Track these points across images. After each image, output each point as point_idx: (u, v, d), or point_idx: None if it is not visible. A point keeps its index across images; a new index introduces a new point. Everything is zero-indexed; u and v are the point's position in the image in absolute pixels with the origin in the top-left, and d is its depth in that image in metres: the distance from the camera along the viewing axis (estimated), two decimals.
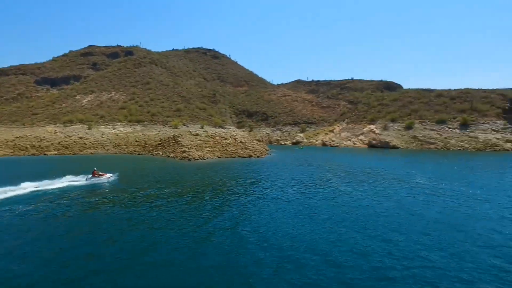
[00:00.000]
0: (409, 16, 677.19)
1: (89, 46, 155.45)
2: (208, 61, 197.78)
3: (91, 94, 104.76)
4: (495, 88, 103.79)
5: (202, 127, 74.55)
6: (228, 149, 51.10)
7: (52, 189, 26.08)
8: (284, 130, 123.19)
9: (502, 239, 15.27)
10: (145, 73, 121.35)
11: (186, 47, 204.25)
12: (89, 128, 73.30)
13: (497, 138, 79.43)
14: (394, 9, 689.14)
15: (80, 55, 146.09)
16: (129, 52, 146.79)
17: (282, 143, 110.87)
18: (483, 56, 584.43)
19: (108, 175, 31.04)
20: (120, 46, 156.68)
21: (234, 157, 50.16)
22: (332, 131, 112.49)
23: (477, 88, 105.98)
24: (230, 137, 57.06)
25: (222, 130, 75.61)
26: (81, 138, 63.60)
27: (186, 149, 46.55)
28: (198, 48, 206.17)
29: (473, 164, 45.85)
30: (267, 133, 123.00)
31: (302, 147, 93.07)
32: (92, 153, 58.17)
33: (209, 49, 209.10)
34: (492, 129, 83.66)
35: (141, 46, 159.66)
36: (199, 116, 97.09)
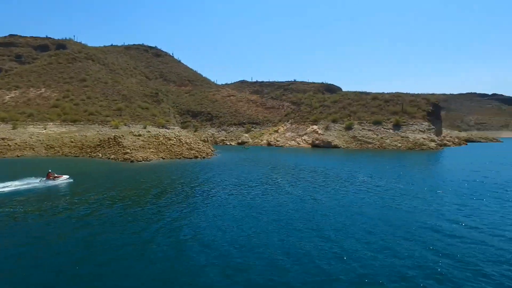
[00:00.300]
0: (345, 24, 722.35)
1: (11, 35, 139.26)
2: (150, 59, 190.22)
3: (15, 90, 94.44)
4: (419, 92, 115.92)
5: (145, 128, 71.81)
6: (173, 150, 49.94)
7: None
8: (229, 131, 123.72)
9: (423, 230, 17.46)
10: (81, 69, 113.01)
11: (126, 43, 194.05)
12: (13, 128, 66.03)
13: (424, 138, 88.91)
14: (333, 17, 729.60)
15: (0, 45, 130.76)
16: (61, 45, 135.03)
17: (228, 144, 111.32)
18: (412, 62, 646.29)
19: (65, 176, 29.58)
20: (50, 38, 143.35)
21: (180, 158, 49.21)
22: (277, 131, 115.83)
23: (405, 92, 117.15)
24: (175, 137, 55.88)
25: (167, 130, 73.63)
26: (3, 139, 57.19)
27: (128, 151, 44.48)
28: (139, 45, 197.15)
29: (405, 163, 51.02)
30: (213, 134, 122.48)
31: (248, 148, 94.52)
32: (18, 156, 52.68)
33: (151, 47, 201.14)
34: (419, 130, 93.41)
35: (75, 40, 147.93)
36: (141, 116, 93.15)
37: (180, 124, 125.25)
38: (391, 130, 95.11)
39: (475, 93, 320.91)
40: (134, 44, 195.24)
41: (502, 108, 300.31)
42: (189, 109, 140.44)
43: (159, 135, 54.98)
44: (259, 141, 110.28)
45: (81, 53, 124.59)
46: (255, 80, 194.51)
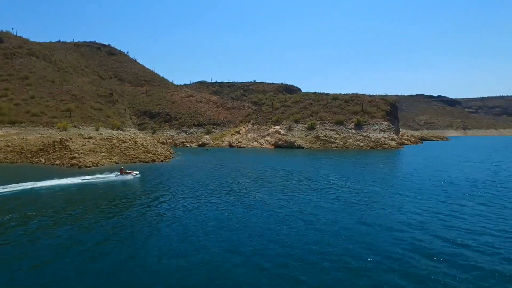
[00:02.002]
0: (297, 26, 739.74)
1: None
2: (103, 57, 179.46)
3: None
4: (373, 94, 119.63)
5: (97, 130, 66.52)
6: (127, 153, 45.95)
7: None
8: (189, 132, 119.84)
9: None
10: (22, 65, 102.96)
11: (75, 40, 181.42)
12: None
13: (385, 137, 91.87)
14: (291, 20, 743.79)
15: None
16: None
17: (188, 146, 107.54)
18: (364, 65, 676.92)
19: (135, 172, 34.11)
20: None
21: (135, 162, 45.41)
22: (238, 132, 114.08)
23: (363, 93, 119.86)
24: (130, 140, 51.88)
25: (121, 132, 68.85)
26: None
27: (77, 155, 39.94)
28: (91, 42, 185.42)
29: (368, 161, 51.73)
30: (172, 135, 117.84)
31: (209, 149, 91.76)
32: None
33: (104, 44, 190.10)
34: (380, 129, 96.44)
35: (15, 33, 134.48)
36: (94, 117, 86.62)
37: (137, 126, 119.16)
38: (353, 130, 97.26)
39: (423, 94, 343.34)
40: (85, 41, 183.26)
41: (446, 109, 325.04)
42: (146, 110, 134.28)
43: (113, 137, 50.65)
44: (221, 142, 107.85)
45: (22, 48, 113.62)
46: (214, 81, 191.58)
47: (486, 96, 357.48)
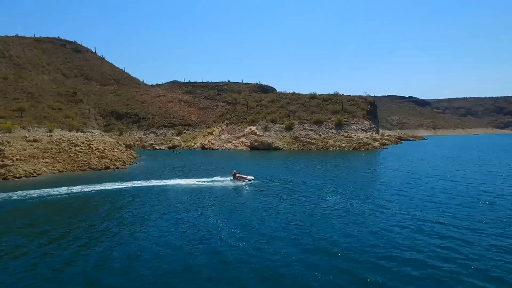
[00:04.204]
0: (269, 27, 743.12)
1: None
2: (68, 54, 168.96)
3: None
4: (350, 94, 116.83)
5: (50, 131, 59.72)
6: (77, 159, 39.94)
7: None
8: (159, 133, 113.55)
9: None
10: None
11: (37, 36, 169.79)
12: None
13: (367, 138, 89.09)
14: (262, 22, 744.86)
15: None
16: None
17: (157, 148, 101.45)
18: (341, 66, 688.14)
19: (249, 177, 31.49)
20: None
21: (85, 170, 39.47)
22: (211, 133, 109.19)
23: (341, 93, 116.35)
24: (84, 143, 46.00)
25: (76, 134, 62.34)
26: None
27: (9, 162, 33.39)
28: (54, 38, 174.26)
29: (356, 165, 48.50)
30: (140, 137, 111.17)
31: (179, 152, 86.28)
32: None
33: (69, 41, 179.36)
34: (361, 129, 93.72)
35: None
36: (50, 118, 78.71)
37: (102, 127, 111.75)
38: (333, 130, 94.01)
39: (395, 95, 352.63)
40: (47, 37, 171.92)
41: (417, 109, 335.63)
42: (113, 110, 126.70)
43: (62, 140, 44.66)
44: (192, 144, 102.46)
45: None
46: (187, 81, 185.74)
47: (452, 97, 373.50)
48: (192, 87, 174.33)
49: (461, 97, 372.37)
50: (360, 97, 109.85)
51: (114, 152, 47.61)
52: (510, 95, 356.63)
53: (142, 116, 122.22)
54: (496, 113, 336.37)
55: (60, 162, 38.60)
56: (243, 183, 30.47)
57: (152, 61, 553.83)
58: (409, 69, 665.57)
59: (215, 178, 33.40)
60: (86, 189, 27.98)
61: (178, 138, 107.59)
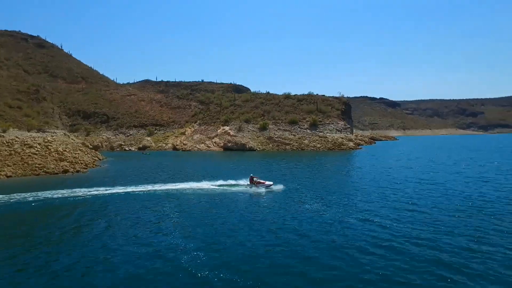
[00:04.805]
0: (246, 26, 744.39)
1: None
2: (31, 49, 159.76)
3: None
4: (329, 95, 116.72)
5: (4, 131, 55.33)
6: (30, 162, 36.42)
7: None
8: (128, 134, 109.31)
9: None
10: None
11: None
12: None
13: (342, 138, 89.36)
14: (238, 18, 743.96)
15: None
16: None
17: (127, 149, 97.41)
18: (314, 67, 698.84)
19: (268, 183, 27.95)
20: None
21: (38, 174, 36.02)
22: (183, 133, 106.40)
23: (316, 93, 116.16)
24: (41, 144, 42.69)
25: (38, 134, 58.27)
26: None
27: None
28: (15, 31, 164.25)
29: (333, 167, 48.00)
30: (108, 138, 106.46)
31: (149, 153, 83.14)
32: None
33: (32, 35, 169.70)
34: (336, 129, 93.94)
35: None
36: (6, 117, 73.49)
37: (67, 127, 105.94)
38: (308, 130, 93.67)
39: (367, 96, 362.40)
40: (6, 30, 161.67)
41: (387, 110, 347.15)
42: (80, 109, 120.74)
43: (16, 141, 41.14)
44: (164, 145, 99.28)
45: None
46: (160, 80, 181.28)
47: (420, 99, 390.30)
48: (164, 87, 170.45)
49: (428, 99, 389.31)
50: (334, 97, 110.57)
51: (75, 154, 44.52)
52: (472, 98, 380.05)
53: (111, 116, 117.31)
54: (460, 115, 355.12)
55: (10, 166, 35.19)
56: (262, 190, 26.89)
57: (124, 59, 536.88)
58: (381, 71, 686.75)
59: (190, 184, 30.12)
60: (18, 197, 24.28)
61: (149, 138, 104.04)
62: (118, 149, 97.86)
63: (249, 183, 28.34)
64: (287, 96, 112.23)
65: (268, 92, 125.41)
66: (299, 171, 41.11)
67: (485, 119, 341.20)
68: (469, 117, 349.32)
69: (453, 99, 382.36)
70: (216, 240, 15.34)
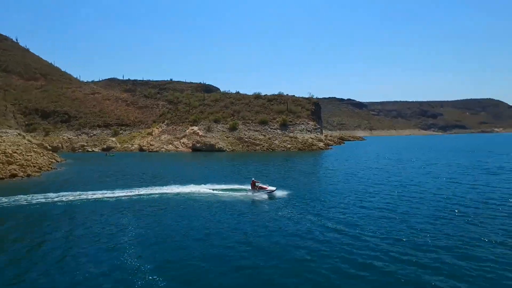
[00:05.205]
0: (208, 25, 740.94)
1: None
2: None
3: None
4: (299, 95, 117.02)
5: None
6: None
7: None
8: (92, 134, 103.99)
9: None
10: None
11: None
12: None
13: (312, 138, 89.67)
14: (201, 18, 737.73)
15: None
16: None
17: (90, 150, 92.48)
18: (284, 68, 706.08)
19: (270, 188, 25.74)
20: None
21: None
22: (150, 133, 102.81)
23: (286, 93, 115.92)
24: None
25: None
26: None
27: None
28: None
29: (306, 168, 47.35)
30: (69, 138, 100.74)
31: (113, 155, 79.25)
32: None
33: None
34: (306, 130, 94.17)
35: None
36: None
37: (23, 127, 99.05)
38: (278, 130, 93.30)
39: (335, 97, 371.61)
40: None
41: (355, 111, 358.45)
42: (38, 108, 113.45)
43: None
44: (129, 146, 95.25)
45: None
46: (127, 78, 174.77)
47: (385, 100, 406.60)
48: (131, 85, 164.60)
49: (393, 100, 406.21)
50: (304, 98, 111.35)
51: (28, 156, 41.02)
52: (432, 100, 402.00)
53: (72, 115, 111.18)
54: (422, 116, 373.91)
55: None
56: (264, 196, 24.85)
57: (88, 56, 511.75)
58: (349, 72, 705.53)
59: (155, 189, 27.73)
60: None
61: (114, 139, 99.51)
62: (80, 150, 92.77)
63: (250, 188, 26.23)
64: (257, 96, 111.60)
65: (238, 92, 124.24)
66: (272, 173, 40.38)
67: (444, 120, 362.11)
68: (430, 118, 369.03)
69: (415, 101, 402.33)
70: (177, 258, 13.70)
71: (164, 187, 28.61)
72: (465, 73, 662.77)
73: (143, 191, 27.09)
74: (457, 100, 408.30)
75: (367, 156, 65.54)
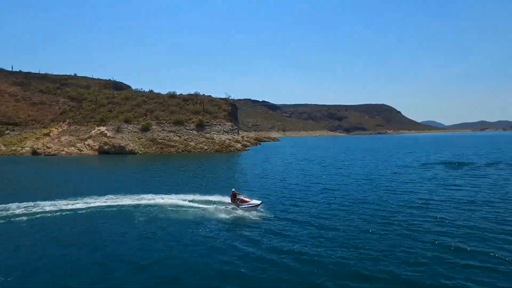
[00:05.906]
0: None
1: None
2: None
3: None
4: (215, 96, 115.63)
5: None
6: None
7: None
8: None
9: None
10: None
11: None
12: None
13: (229, 139, 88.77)
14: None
15: None
16: None
17: None
18: (198, 69, 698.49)
19: (254, 202, 20.94)
20: None
21: None
22: (48, 134, 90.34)
23: (202, 94, 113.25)
24: None
25: None
26: None
27: None
28: None
29: (226, 174, 46.20)
30: None
31: None
32: None
33: None
34: (223, 130, 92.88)
35: None
36: None
37: None
38: (194, 131, 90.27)
39: (250, 99, 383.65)
40: None
41: (269, 113, 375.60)
42: None
43: None
44: (19, 148, 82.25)
45: None
46: (18, 70, 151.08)
47: (297, 103, 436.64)
48: (24, 78, 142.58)
49: (304, 103, 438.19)
50: (221, 98, 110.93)
51: None
52: (339, 104, 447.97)
53: None
54: (329, 118, 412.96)
55: None
56: (241, 212, 20.41)
57: None
58: (264, 75, 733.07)
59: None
60: None
61: None
62: None
63: (230, 201, 21.69)
64: (172, 95, 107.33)
65: (152, 91, 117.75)
66: (188, 177, 39.03)
67: (348, 122, 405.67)
68: (337, 121, 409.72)
69: (324, 104, 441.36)
70: None
71: (59, 201, 23.45)
72: (366, 82, 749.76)
73: (29, 204, 23.06)
74: (359, 105, 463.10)
75: (286, 157, 66.59)
